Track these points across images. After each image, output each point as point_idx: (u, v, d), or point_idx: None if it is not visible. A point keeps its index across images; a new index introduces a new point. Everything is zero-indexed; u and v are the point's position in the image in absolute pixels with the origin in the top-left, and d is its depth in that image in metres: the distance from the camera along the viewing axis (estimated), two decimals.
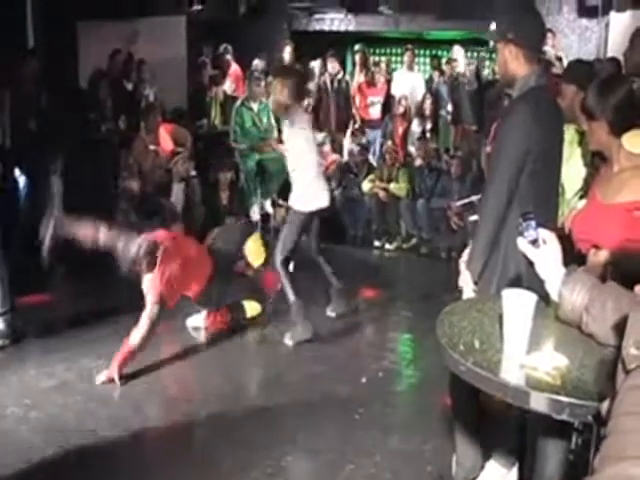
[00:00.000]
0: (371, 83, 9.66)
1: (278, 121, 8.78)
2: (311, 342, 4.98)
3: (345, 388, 4.31)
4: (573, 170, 3.73)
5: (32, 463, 3.44)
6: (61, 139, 7.12)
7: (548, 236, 2.15)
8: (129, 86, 8.60)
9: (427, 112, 9.03)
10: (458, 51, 9.27)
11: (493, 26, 3.00)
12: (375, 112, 9.51)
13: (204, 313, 5.18)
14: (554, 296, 2.16)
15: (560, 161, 3.06)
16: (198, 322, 5.22)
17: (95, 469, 3.41)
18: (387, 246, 7.95)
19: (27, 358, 4.63)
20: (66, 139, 7.14)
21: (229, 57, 9.68)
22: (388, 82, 9.81)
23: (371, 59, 10.52)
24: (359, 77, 9.82)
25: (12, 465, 3.42)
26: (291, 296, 4.94)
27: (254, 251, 5.79)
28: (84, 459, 3.51)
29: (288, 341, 4.96)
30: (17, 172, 7.06)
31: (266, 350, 5.02)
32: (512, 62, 2.91)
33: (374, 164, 8.50)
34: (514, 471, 3.03)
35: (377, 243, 8.01)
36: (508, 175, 2.81)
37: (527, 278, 2.36)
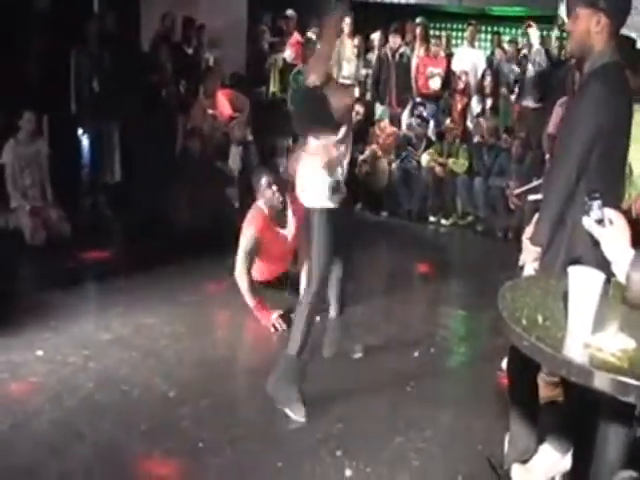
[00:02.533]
0: (431, 56, 9.54)
1: None
2: (364, 314, 4.99)
3: (396, 361, 4.30)
4: None
5: (90, 409, 3.57)
6: (122, 101, 7.24)
7: (614, 216, 2.11)
8: (189, 50, 8.64)
9: (487, 90, 8.89)
10: (533, 34, 8.92)
11: None
12: (435, 84, 9.37)
13: None
14: (621, 278, 2.13)
15: (629, 141, 2.98)
16: None
17: (150, 420, 3.49)
18: (442, 222, 7.91)
19: (86, 312, 4.76)
20: (127, 101, 7.25)
21: (292, 25, 9.62)
22: (448, 57, 9.68)
23: (431, 33, 10.39)
24: (419, 51, 9.70)
25: (72, 409, 3.57)
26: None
27: None
28: (138, 410, 3.59)
29: None
30: (80, 132, 7.22)
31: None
32: (596, 34, 2.72)
33: (433, 138, 8.44)
34: (568, 457, 2.98)
35: (432, 218, 7.98)
36: (579, 153, 2.73)
37: (594, 258, 2.32)
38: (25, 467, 3.08)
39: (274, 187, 4.74)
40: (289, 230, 4.90)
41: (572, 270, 2.06)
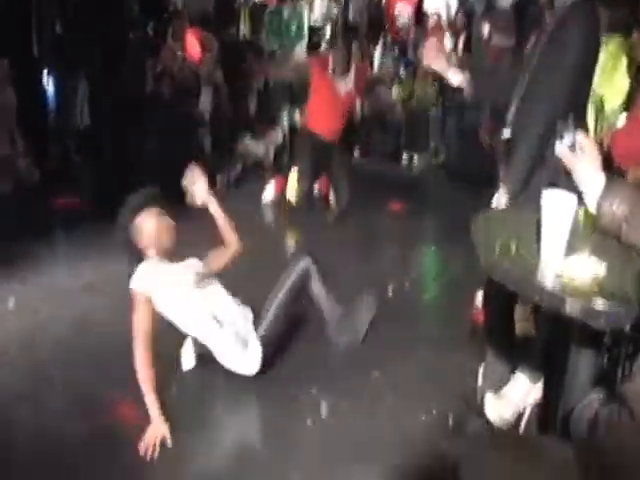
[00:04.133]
0: None
1: (312, 30, 8.77)
2: (335, 250, 4.97)
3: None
4: (616, 85, 3.63)
5: (64, 356, 3.55)
6: (88, 44, 7.05)
7: (586, 142, 2.09)
8: None
9: (459, 28, 8.77)
10: None
11: None
12: (402, 22, 9.21)
13: None
14: (592, 206, 2.11)
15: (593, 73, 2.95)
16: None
17: (123, 366, 3.43)
18: (415, 160, 7.86)
19: (56, 260, 4.69)
20: (93, 45, 7.06)
21: None
22: None
23: None
24: None
25: (45, 358, 3.54)
26: None
27: None
28: (113, 355, 3.53)
29: None
30: (45, 76, 7.02)
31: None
32: None
33: (404, 77, 8.35)
34: (539, 385, 3.03)
35: (405, 157, 7.92)
36: (566, 89, 2.70)
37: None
38: None
39: None
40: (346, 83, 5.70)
41: (546, 193, 2.04)
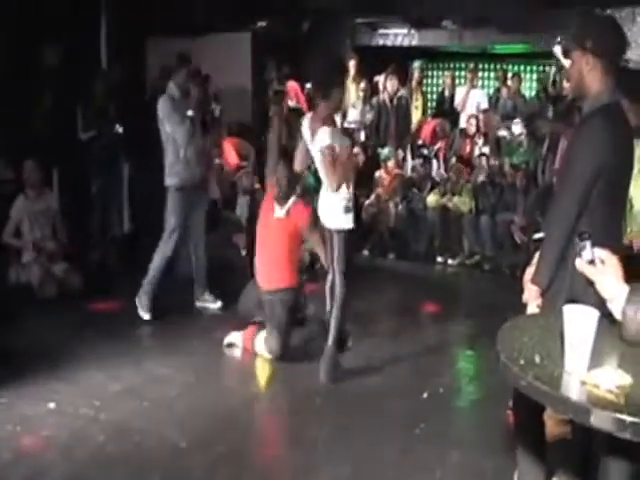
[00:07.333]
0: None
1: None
2: (372, 356, 5.01)
3: (406, 403, 4.32)
4: None
5: (102, 462, 3.57)
6: (129, 153, 7.37)
7: (605, 255, 2.15)
8: None
9: (491, 128, 8.96)
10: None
11: (565, 36, 2.92)
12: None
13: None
14: (617, 315, 2.15)
15: (629, 179, 3.02)
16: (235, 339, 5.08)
17: (162, 470, 3.50)
18: (450, 262, 7.91)
19: (97, 362, 4.76)
20: (135, 149, 7.37)
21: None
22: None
23: (433, 74, 10.55)
24: (416, 94, 9.82)
25: (83, 462, 3.57)
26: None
27: None
28: (150, 461, 3.60)
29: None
30: (89, 184, 7.31)
31: None
32: (588, 74, 2.79)
33: (437, 179, 8.49)
34: None
35: (440, 259, 7.98)
36: (579, 192, 2.77)
37: (593, 297, 2.34)
38: None
39: None
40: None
41: (567, 308, 2.09)
